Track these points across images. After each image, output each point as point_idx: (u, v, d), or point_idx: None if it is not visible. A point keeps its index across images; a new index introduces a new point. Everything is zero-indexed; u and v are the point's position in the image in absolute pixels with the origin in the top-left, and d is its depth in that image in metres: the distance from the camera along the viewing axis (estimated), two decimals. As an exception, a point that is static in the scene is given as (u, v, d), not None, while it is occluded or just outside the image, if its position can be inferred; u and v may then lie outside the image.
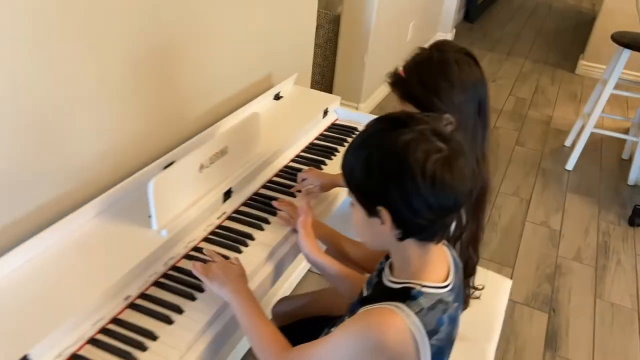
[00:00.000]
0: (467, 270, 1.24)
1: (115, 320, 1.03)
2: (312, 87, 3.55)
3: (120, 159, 1.32)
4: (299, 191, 1.44)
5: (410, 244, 0.89)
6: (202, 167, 1.27)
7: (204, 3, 1.47)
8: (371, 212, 0.89)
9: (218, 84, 1.63)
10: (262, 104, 1.75)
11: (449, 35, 4.97)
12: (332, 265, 1.20)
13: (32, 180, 1.11)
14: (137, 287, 1.10)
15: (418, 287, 0.89)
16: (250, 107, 1.68)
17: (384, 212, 0.86)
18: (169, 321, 1.04)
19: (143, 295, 1.09)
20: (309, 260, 1.23)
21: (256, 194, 1.43)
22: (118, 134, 1.31)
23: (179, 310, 1.07)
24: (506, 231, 2.64)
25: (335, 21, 3.28)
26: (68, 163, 1.19)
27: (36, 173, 1.12)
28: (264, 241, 1.27)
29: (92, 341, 0.99)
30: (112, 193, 1.22)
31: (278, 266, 1.26)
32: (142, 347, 0.98)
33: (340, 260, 1.26)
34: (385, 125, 0.88)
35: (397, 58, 4.12)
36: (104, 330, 1.01)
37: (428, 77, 1.15)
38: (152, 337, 1.01)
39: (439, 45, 1.19)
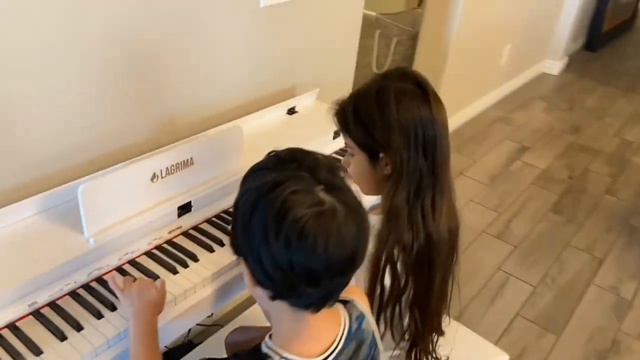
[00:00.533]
0: (416, 338, 1.04)
1: (11, 326, 0.98)
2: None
3: (90, 157, 1.29)
4: None
5: (282, 307, 0.75)
6: (155, 176, 1.19)
7: (211, 11, 1.41)
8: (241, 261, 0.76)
9: (219, 92, 1.56)
10: (271, 117, 1.65)
11: (558, 64, 4.53)
12: None
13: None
14: (49, 294, 1.04)
15: (277, 358, 0.74)
16: (254, 119, 1.59)
17: (244, 266, 0.73)
18: (62, 337, 0.98)
19: (51, 304, 1.04)
20: (252, 292, 1.11)
21: (227, 212, 1.33)
22: (88, 132, 1.28)
23: (78, 327, 1.00)
24: (563, 291, 2.30)
25: (415, 38, 3.10)
26: (27, 156, 1.18)
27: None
28: (205, 264, 1.17)
29: (-23, 344, 0.95)
30: (59, 192, 1.19)
31: (221, 290, 1.16)
32: (22, 361, 0.93)
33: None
34: (268, 162, 0.75)
35: (485, 82, 3.84)
36: (-5, 335, 0.97)
37: (363, 110, 0.99)
38: (37, 351, 0.94)
39: (388, 73, 1.02)
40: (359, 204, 0.73)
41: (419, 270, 0.98)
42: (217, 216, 1.31)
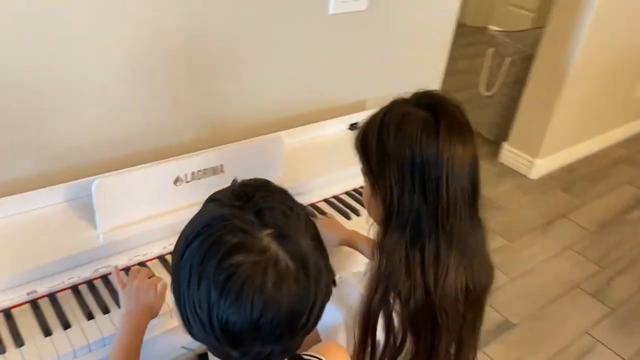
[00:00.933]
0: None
1: (5, 312, 0.98)
2: (489, 127, 3.13)
3: (130, 152, 1.29)
4: None
5: None
6: (178, 180, 1.15)
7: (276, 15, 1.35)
8: None
9: (278, 99, 1.49)
10: (330, 131, 1.55)
11: None
12: None
13: (16, 151, 1.14)
14: (49, 286, 1.03)
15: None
16: (311, 131, 1.50)
17: (174, 307, 0.64)
18: (47, 332, 0.96)
19: (50, 296, 1.03)
20: None
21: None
22: (132, 127, 1.27)
23: (65, 325, 0.97)
24: (664, 372, 1.93)
25: (530, 59, 2.82)
26: (68, 143, 1.20)
27: (21, 145, 1.14)
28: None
29: (-32, 324, 0.95)
30: (88, 182, 1.17)
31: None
32: (1, 351, 0.92)
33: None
34: (222, 194, 0.65)
35: (612, 116, 3.42)
36: (-14, 318, 0.97)
37: (368, 133, 0.86)
38: (19, 342, 0.93)
39: (412, 95, 0.87)
40: (315, 260, 0.60)
41: (418, 330, 0.83)
42: (244, 229, 1.24)
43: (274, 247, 0.57)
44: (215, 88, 1.37)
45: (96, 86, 1.18)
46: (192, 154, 1.20)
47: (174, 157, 1.20)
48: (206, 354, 1.71)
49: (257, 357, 0.61)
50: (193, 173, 1.16)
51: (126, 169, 1.15)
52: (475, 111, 3.35)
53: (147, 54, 1.21)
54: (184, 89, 1.31)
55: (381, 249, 0.83)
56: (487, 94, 3.14)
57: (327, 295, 0.63)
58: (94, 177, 1.17)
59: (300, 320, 0.59)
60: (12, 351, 0.92)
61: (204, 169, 1.18)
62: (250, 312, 0.56)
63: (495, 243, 2.44)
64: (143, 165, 1.17)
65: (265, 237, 0.58)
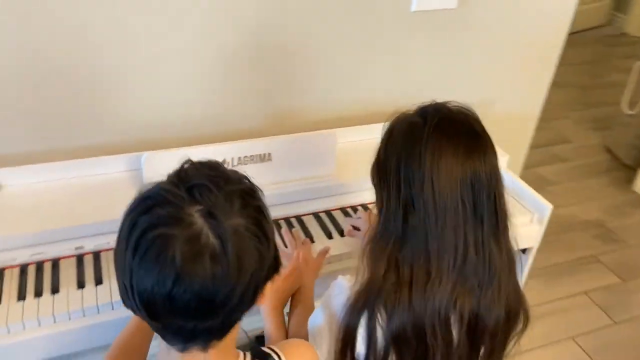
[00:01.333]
0: None
1: (53, 262, 1.09)
2: (626, 150, 2.76)
3: (195, 134, 1.36)
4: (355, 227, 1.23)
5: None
6: (224, 162, 1.19)
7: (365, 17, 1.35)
8: None
9: (349, 96, 1.47)
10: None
11: None
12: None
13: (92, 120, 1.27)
14: (95, 244, 1.13)
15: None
16: (373, 131, 1.44)
17: None
18: (80, 285, 1.05)
19: (94, 254, 1.12)
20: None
21: (296, 217, 1.26)
22: (203, 109, 1.34)
23: (98, 281, 1.06)
24: None
25: (685, 77, 2.44)
26: (138, 117, 1.30)
27: (92, 118, 1.26)
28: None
29: (22, 267, 1.08)
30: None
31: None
32: (39, 294, 1.02)
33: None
34: (171, 172, 0.66)
35: None
36: (38, 264, 1.09)
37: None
38: (55, 290, 1.03)
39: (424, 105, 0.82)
40: (241, 242, 0.60)
41: (401, 349, 0.76)
42: (285, 219, 1.25)
43: (200, 223, 0.59)
44: (287, 82, 1.39)
45: (164, 70, 1.25)
46: (242, 140, 1.24)
47: (225, 142, 1.24)
48: (262, 336, 1.75)
49: (180, 333, 0.62)
50: (240, 158, 1.20)
51: (178, 148, 1.22)
52: (614, 130, 3.00)
53: (219, 43, 1.27)
54: (256, 79, 1.35)
55: (368, 255, 0.80)
56: (630, 112, 2.77)
57: (253, 281, 0.62)
58: (157, 151, 1.26)
59: (217, 300, 0.59)
60: (46, 296, 1.02)
61: (251, 155, 1.20)
62: (162, 283, 0.57)
63: (605, 279, 2.17)
64: (194, 145, 1.23)
65: (195, 213, 0.59)
